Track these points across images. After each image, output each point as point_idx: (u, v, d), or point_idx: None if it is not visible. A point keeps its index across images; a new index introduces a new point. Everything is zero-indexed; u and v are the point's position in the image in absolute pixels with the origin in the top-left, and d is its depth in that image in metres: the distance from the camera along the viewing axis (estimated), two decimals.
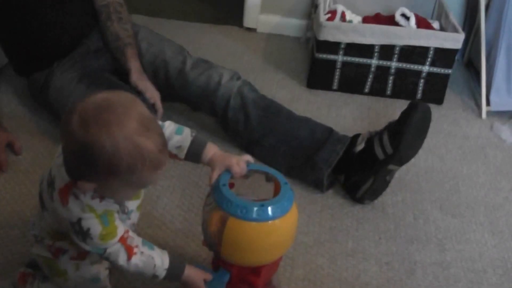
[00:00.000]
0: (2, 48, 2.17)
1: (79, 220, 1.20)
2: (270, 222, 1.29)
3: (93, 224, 1.21)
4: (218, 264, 1.41)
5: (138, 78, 2.01)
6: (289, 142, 2.00)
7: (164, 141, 1.17)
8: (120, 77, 2.04)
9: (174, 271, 1.33)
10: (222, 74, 2.09)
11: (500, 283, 1.71)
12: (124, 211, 1.30)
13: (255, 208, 1.27)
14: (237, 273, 1.39)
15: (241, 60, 2.81)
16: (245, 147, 2.10)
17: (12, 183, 1.88)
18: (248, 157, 1.41)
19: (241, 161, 1.38)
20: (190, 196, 1.91)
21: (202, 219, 1.38)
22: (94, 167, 1.11)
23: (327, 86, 2.59)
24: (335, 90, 2.59)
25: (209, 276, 1.38)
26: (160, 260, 1.31)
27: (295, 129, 2.01)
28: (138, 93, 1.98)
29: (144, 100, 1.97)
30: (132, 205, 1.33)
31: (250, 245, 1.31)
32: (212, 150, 1.38)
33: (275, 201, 1.31)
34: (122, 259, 1.26)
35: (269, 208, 1.28)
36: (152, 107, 1.99)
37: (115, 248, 1.25)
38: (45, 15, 2.03)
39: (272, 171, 1.42)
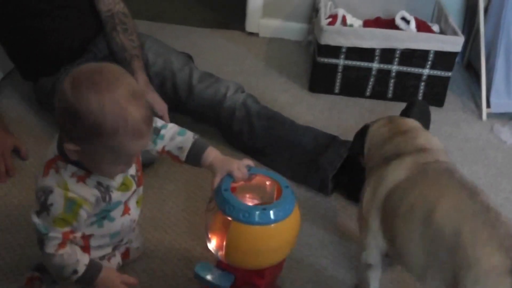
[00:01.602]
0: (8, 53, 2.19)
1: (50, 192, 1.24)
2: (272, 225, 1.31)
3: (57, 203, 1.24)
4: (222, 267, 1.43)
5: (145, 91, 2.03)
6: (293, 150, 2.03)
7: (150, 115, 1.22)
8: None
9: (92, 269, 1.34)
10: (228, 87, 2.13)
11: None
12: (105, 199, 1.31)
13: (257, 212, 1.30)
14: (241, 275, 1.41)
15: (243, 64, 2.83)
16: (250, 155, 2.11)
17: (18, 187, 1.91)
18: (249, 162, 1.44)
19: (242, 166, 1.41)
20: (195, 200, 1.93)
21: (205, 224, 1.40)
22: (79, 125, 1.16)
23: (329, 90, 2.62)
24: (336, 94, 2.61)
25: (128, 279, 1.40)
26: (81, 256, 1.33)
27: (298, 137, 2.04)
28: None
29: (153, 113, 1.99)
30: (119, 197, 1.35)
31: (254, 249, 1.34)
32: (212, 153, 1.42)
33: (277, 204, 1.34)
34: (52, 246, 1.28)
35: (271, 212, 1.31)
36: (154, 112, 2.01)
37: (54, 235, 1.28)
38: (50, 20, 2.06)
39: (273, 175, 1.45)
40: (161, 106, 2.02)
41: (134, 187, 1.39)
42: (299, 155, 2.02)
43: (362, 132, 1.64)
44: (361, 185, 1.58)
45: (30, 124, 2.22)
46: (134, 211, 1.44)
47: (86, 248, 1.39)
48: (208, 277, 1.40)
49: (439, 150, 1.46)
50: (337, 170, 1.95)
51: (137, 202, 1.44)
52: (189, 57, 2.30)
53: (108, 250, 1.46)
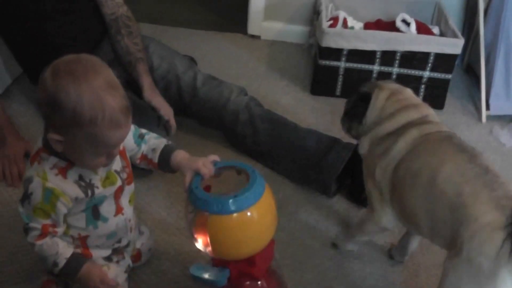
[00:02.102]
0: (15, 57, 2.22)
1: (30, 179, 1.29)
2: (248, 209, 1.33)
3: (36, 192, 1.29)
4: (216, 264, 1.45)
5: (151, 95, 2.06)
6: (296, 152, 2.06)
7: (127, 105, 1.25)
8: (132, 90, 2.09)
9: (73, 264, 1.37)
10: (232, 90, 2.16)
11: None
12: (87, 194, 1.33)
13: (231, 200, 1.32)
14: (234, 267, 1.42)
15: (246, 66, 2.85)
16: (253, 158, 2.15)
17: None
18: (215, 157, 1.47)
19: (207, 162, 1.43)
20: None
21: (188, 226, 1.42)
22: (60, 114, 1.19)
23: (331, 92, 2.64)
24: (338, 96, 2.63)
25: (109, 281, 1.42)
26: (63, 250, 1.37)
27: (301, 140, 2.07)
28: (153, 109, 2.03)
29: (159, 117, 2.02)
30: (103, 191, 1.37)
31: (236, 237, 1.35)
32: (180, 154, 1.46)
33: (247, 189, 1.35)
34: (32, 236, 1.34)
35: (243, 197, 1.33)
36: (160, 116, 2.04)
37: (34, 226, 1.33)
38: (54, 24, 2.08)
39: (239, 164, 1.47)
40: (167, 110, 2.05)
41: (119, 182, 1.41)
42: (302, 158, 2.05)
43: (363, 99, 1.67)
44: (362, 184, 1.65)
45: (39, 128, 2.22)
46: (128, 210, 1.47)
47: (84, 248, 1.43)
48: (204, 275, 1.42)
49: (441, 122, 1.58)
50: (340, 172, 1.98)
51: (129, 201, 1.47)
52: (193, 60, 2.33)
53: (108, 250, 1.49)
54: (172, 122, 2.04)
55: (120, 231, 1.47)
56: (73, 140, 1.23)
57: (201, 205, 1.34)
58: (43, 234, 1.34)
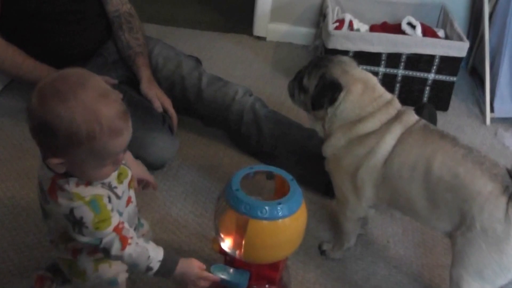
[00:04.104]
0: None
1: (71, 210, 1.22)
2: (289, 217, 1.35)
3: (84, 212, 1.22)
4: (235, 266, 1.45)
5: (148, 87, 2.07)
6: (300, 152, 2.07)
7: (123, 110, 1.19)
8: (137, 89, 2.10)
9: (168, 264, 1.34)
10: (236, 91, 2.16)
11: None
12: (117, 195, 1.31)
13: (279, 207, 1.33)
14: (256, 270, 1.44)
15: (251, 68, 2.86)
16: (257, 158, 2.16)
17: (26, 189, 1.93)
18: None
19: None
20: (204, 202, 1.96)
21: (215, 225, 1.43)
22: (55, 138, 1.14)
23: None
24: None
25: (208, 276, 1.39)
26: (154, 253, 1.32)
27: (305, 140, 2.07)
28: (149, 102, 2.04)
29: (164, 116, 2.04)
30: (122, 187, 1.34)
31: (273, 244, 1.37)
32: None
33: (290, 197, 1.37)
34: (115, 249, 1.27)
35: (288, 205, 1.35)
36: (164, 115, 2.05)
37: (110, 237, 1.26)
38: (55, 24, 2.08)
39: (276, 170, 1.48)
40: (165, 100, 2.06)
41: (129, 171, 1.39)
42: (306, 158, 2.05)
43: (332, 89, 1.63)
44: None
45: None
46: (133, 197, 1.44)
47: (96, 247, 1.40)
48: (226, 277, 1.42)
49: (406, 108, 1.64)
50: None
51: (130, 187, 1.42)
52: (198, 61, 2.34)
53: None
54: (171, 111, 2.04)
55: (131, 220, 1.45)
56: (74, 158, 1.18)
57: (242, 208, 1.33)
58: (122, 238, 1.27)
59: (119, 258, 1.29)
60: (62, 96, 1.13)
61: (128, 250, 1.28)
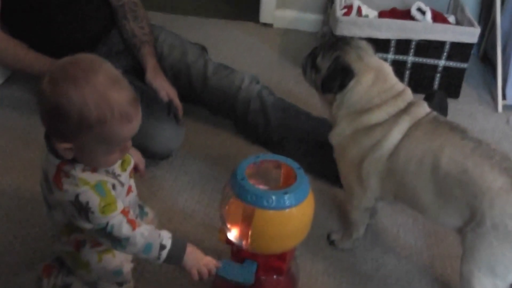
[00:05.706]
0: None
1: (77, 196, 1.22)
2: (296, 207, 1.32)
3: (90, 196, 1.22)
4: (242, 256, 1.43)
5: (153, 76, 2.04)
6: (308, 141, 2.04)
7: (134, 96, 1.19)
8: (141, 79, 2.07)
9: (178, 244, 1.32)
10: (243, 79, 2.13)
11: None
12: (121, 183, 1.31)
13: (286, 196, 1.30)
14: (263, 261, 1.42)
15: (258, 55, 2.83)
16: (264, 147, 2.13)
17: (31, 181, 1.92)
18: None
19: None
20: (210, 192, 1.94)
21: (221, 215, 1.41)
22: (66, 122, 1.14)
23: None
24: None
25: (210, 262, 1.37)
26: (163, 232, 1.31)
27: (314, 128, 2.04)
28: (155, 92, 2.02)
29: (169, 105, 2.01)
30: (126, 175, 1.34)
31: (280, 233, 1.35)
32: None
33: (297, 186, 1.34)
34: (126, 230, 1.25)
35: (295, 194, 1.32)
36: (170, 105, 2.02)
37: (117, 219, 1.25)
38: (59, 13, 2.06)
39: (284, 159, 1.45)
40: (170, 90, 2.03)
41: (132, 159, 1.39)
42: (315, 147, 2.02)
43: (343, 74, 1.60)
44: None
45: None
46: (133, 186, 1.44)
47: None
48: (231, 276, 1.40)
49: (419, 101, 1.60)
50: None
51: (130, 176, 1.42)
52: (204, 49, 2.31)
53: None
54: (176, 102, 2.02)
55: (132, 209, 1.43)
56: (84, 143, 1.18)
57: (248, 198, 1.31)
58: (130, 221, 1.26)
59: (131, 239, 1.26)
60: (74, 81, 1.13)
61: (139, 230, 1.27)
